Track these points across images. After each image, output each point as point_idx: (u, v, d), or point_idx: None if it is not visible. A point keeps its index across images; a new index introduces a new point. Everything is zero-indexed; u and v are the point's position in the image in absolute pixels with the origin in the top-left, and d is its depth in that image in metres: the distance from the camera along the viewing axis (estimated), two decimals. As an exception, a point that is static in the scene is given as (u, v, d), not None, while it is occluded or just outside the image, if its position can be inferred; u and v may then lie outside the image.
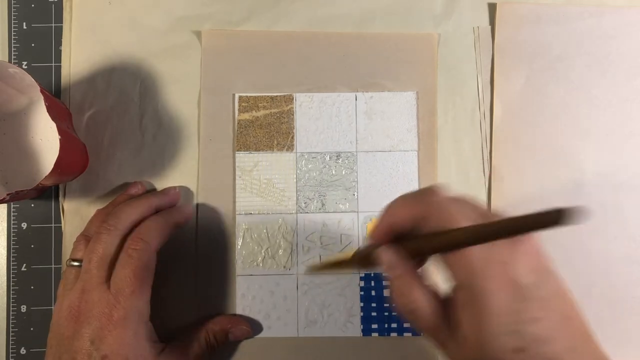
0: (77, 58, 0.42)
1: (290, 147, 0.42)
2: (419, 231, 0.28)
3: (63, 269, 0.41)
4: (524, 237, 0.25)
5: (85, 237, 0.36)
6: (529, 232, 0.24)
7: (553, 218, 0.21)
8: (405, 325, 0.41)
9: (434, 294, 0.28)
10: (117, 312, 0.32)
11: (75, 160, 0.39)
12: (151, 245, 0.34)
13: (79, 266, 0.35)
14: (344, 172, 0.42)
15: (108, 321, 0.31)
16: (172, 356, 0.35)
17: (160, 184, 0.42)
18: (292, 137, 0.42)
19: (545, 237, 0.42)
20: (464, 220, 0.26)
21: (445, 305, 0.27)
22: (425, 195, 0.28)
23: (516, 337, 0.24)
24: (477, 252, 0.25)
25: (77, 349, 0.31)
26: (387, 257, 0.29)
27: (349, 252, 0.33)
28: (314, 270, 0.41)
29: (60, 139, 0.35)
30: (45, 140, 0.40)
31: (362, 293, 0.41)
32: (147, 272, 0.34)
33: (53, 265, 0.41)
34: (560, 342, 0.24)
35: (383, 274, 0.30)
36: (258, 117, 0.42)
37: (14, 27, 0.43)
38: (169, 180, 0.42)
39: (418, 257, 0.29)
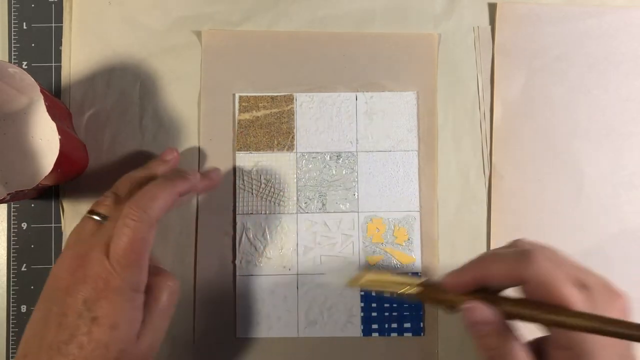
0: (77, 58, 0.42)
1: (290, 147, 0.42)
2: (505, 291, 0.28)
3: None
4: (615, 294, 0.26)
5: (116, 196, 0.35)
6: (629, 339, 0.24)
7: None
8: (406, 325, 0.41)
9: (527, 349, 0.28)
10: (113, 280, 0.31)
11: (75, 160, 0.39)
12: (150, 217, 0.32)
13: (99, 221, 0.34)
14: (344, 172, 0.42)
15: (104, 286, 0.31)
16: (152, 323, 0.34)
17: (161, 184, 0.42)
18: (293, 137, 0.42)
19: (545, 238, 0.42)
20: (569, 297, 0.26)
21: None
22: (524, 258, 0.28)
23: None
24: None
25: (69, 305, 0.30)
26: (474, 313, 0.28)
27: (410, 278, 0.32)
28: (361, 284, 0.39)
29: (60, 139, 0.35)
30: (45, 140, 0.40)
31: (362, 293, 0.41)
32: (144, 244, 0.32)
33: (53, 265, 0.41)
34: None
35: (466, 327, 0.30)
36: (258, 117, 0.42)
37: (14, 27, 0.43)
38: (169, 180, 0.42)
39: (511, 319, 0.29)
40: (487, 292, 0.29)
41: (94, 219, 0.35)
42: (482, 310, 0.28)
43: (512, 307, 0.28)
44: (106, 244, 0.32)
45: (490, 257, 0.30)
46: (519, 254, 0.29)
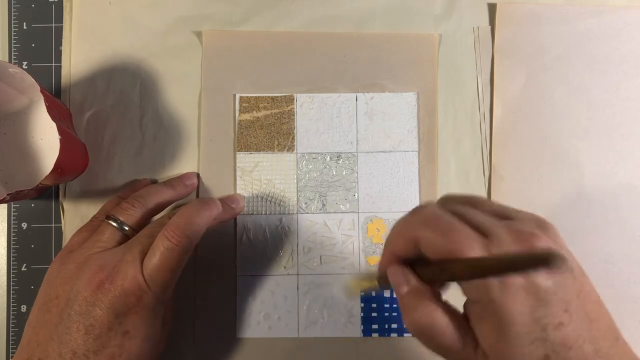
0: (77, 58, 0.42)
1: (290, 148, 0.42)
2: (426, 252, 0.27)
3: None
4: (536, 237, 0.24)
5: (141, 205, 0.36)
6: (522, 272, 0.23)
7: (546, 260, 0.21)
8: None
9: (448, 309, 0.26)
10: (146, 297, 0.32)
11: (75, 160, 0.39)
12: (191, 242, 0.33)
13: (118, 228, 0.35)
14: (344, 173, 0.42)
15: (137, 302, 0.31)
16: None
17: (161, 184, 0.42)
18: (293, 138, 0.42)
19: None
20: (458, 240, 0.24)
21: (460, 322, 0.26)
22: (413, 215, 0.27)
23: (541, 345, 0.23)
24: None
25: (96, 316, 0.31)
26: (392, 277, 0.28)
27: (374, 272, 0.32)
28: (353, 292, 0.39)
29: (60, 139, 0.35)
30: (45, 140, 0.40)
31: (362, 294, 0.41)
32: (180, 267, 0.33)
33: (57, 265, 0.41)
34: (587, 345, 0.23)
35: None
36: (259, 117, 0.42)
37: (14, 27, 0.43)
38: (169, 180, 0.42)
39: (429, 281, 0.28)
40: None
41: (113, 225, 0.35)
42: (391, 272, 0.28)
43: (421, 270, 0.27)
44: (139, 260, 0.32)
45: (392, 230, 0.29)
46: (408, 216, 0.28)
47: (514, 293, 0.23)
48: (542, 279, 0.23)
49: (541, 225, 0.26)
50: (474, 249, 0.24)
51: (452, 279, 0.26)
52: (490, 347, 0.24)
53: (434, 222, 0.26)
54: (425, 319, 0.26)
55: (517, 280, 0.23)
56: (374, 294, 0.41)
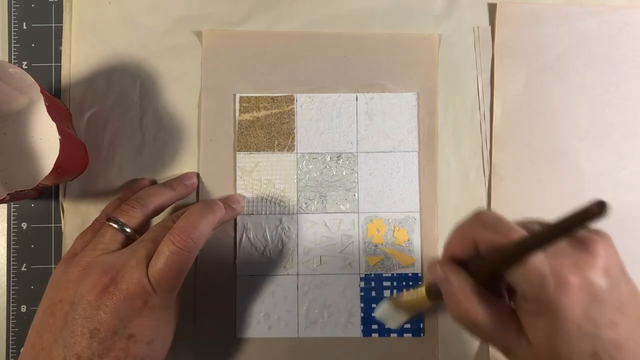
0: (77, 58, 0.42)
1: (290, 148, 0.42)
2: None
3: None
4: (593, 240, 0.25)
5: (142, 207, 0.36)
6: (580, 227, 0.24)
7: (596, 211, 0.22)
8: (406, 326, 0.41)
9: (491, 301, 0.27)
10: (152, 301, 0.32)
11: (75, 160, 0.39)
12: (196, 245, 0.34)
13: (119, 230, 0.35)
14: (344, 173, 0.42)
15: (142, 305, 0.31)
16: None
17: (161, 184, 0.42)
18: (293, 138, 0.42)
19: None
20: (514, 232, 0.25)
21: (507, 313, 0.27)
22: (474, 220, 0.28)
23: (593, 341, 0.24)
24: (543, 261, 0.25)
25: (101, 320, 0.31)
26: (441, 273, 0.28)
27: (421, 290, 0.32)
28: (389, 314, 0.35)
29: (60, 139, 0.35)
30: (45, 140, 0.40)
31: (362, 294, 0.41)
32: (186, 270, 0.33)
33: (53, 265, 0.41)
34: (636, 346, 0.24)
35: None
36: (259, 117, 0.42)
37: (14, 27, 0.43)
38: (169, 180, 0.42)
39: (485, 279, 0.28)
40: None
41: (114, 227, 0.35)
42: (435, 269, 0.29)
43: (473, 265, 0.28)
44: (144, 264, 0.32)
45: (450, 235, 0.30)
46: (468, 221, 0.29)
47: (569, 290, 0.24)
48: (598, 277, 0.24)
49: (598, 232, 0.27)
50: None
51: (507, 263, 0.26)
52: (540, 340, 0.25)
53: (493, 224, 0.27)
54: (468, 314, 0.27)
55: (573, 279, 0.24)
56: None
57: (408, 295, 0.33)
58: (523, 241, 0.25)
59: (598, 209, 0.22)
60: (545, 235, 0.24)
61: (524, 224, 0.28)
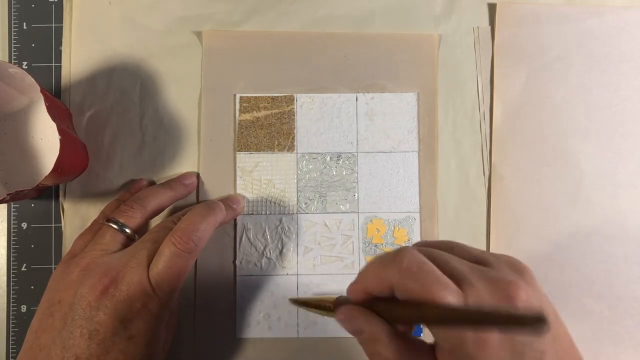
0: (77, 58, 0.42)
1: (290, 148, 0.42)
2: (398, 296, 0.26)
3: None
4: (512, 285, 0.24)
5: (141, 208, 0.36)
6: (511, 328, 0.21)
7: (532, 322, 0.20)
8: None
9: (409, 347, 0.25)
10: (152, 303, 0.32)
11: (75, 160, 0.39)
12: (197, 247, 0.34)
13: (119, 231, 0.35)
14: (344, 173, 0.42)
15: (142, 307, 0.31)
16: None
17: (161, 184, 0.42)
18: (293, 138, 0.42)
19: (545, 238, 0.42)
20: (437, 289, 0.23)
21: (427, 357, 0.25)
22: (394, 262, 0.25)
23: None
24: None
25: (101, 321, 0.31)
26: (351, 321, 0.26)
27: (332, 297, 0.30)
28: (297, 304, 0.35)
29: (60, 139, 0.35)
30: (45, 140, 0.40)
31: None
32: (186, 272, 0.34)
33: (53, 265, 0.41)
34: None
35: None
36: (259, 117, 0.42)
37: (14, 27, 0.43)
38: (169, 180, 0.42)
39: (397, 322, 0.26)
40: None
41: (114, 228, 0.35)
42: (353, 314, 0.26)
43: (386, 309, 0.26)
44: (145, 265, 0.32)
45: (368, 266, 0.27)
46: (389, 257, 0.26)
47: (489, 345, 0.23)
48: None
49: (518, 269, 0.26)
50: (449, 299, 0.23)
51: (424, 322, 0.25)
52: None
53: (413, 271, 0.25)
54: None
55: (493, 336, 0.23)
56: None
57: (315, 301, 0.32)
58: (447, 312, 0.23)
59: (535, 323, 0.20)
60: (474, 317, 0.22)
61: (449, 246, 0.26)
